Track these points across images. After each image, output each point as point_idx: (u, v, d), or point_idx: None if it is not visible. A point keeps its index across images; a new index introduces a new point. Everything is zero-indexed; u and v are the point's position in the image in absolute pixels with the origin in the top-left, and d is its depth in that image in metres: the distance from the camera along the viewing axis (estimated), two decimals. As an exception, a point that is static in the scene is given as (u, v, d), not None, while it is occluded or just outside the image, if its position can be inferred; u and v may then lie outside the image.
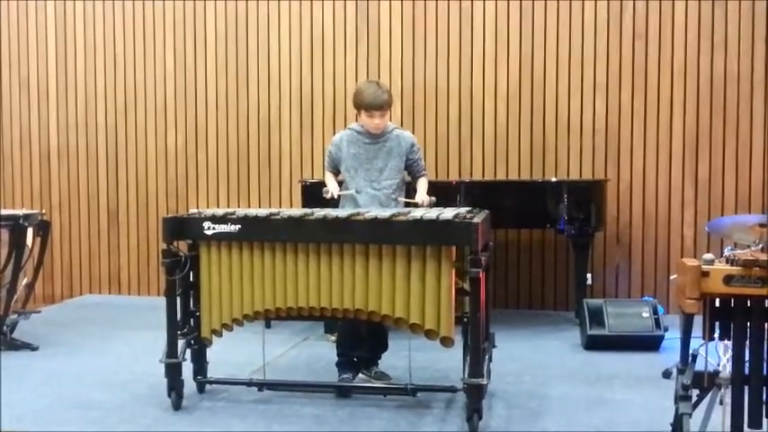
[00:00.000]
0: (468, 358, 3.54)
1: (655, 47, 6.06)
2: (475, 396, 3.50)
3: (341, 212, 3.75)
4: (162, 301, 3.87)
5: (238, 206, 6.54)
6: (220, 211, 3.84)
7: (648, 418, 3.71)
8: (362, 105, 4.14)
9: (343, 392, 4.06)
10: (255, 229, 3.72)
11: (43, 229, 5.28)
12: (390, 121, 4.31)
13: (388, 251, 3.55)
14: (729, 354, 3.14)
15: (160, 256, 3.91)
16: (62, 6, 7.04)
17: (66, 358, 4.89)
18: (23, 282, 5.21)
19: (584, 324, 5.08)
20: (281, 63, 6.67)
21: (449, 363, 4.36)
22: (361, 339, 4.23)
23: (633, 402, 3.98)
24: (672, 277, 4.14)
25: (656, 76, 6.06)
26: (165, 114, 6.89)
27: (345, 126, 4.42)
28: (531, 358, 4.85)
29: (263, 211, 3.79)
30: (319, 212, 3.74)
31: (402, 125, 5.35)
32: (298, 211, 3.97)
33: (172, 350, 3.86)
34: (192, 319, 3.95)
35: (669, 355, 4.73)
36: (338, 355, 4.30)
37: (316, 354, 4.93)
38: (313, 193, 5.15)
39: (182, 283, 3.87)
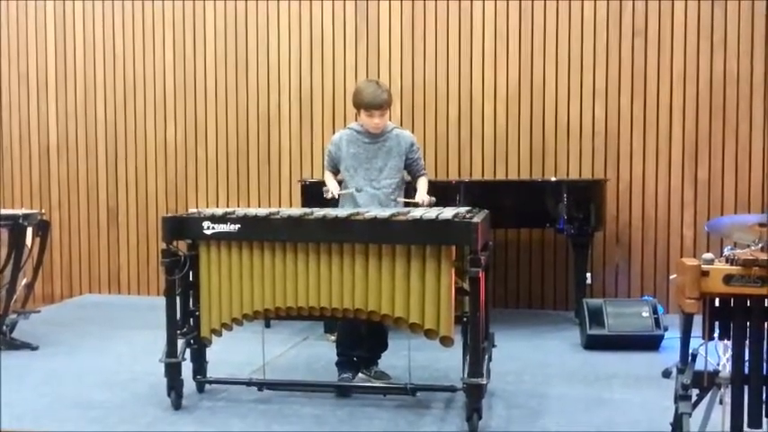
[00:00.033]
0: (468, 358, 3.54)
1: (654, 48, 6.05)
2: (474, 395, 3.50)
3: (340, 212, 3.75)
4: (161, 301, 3.87)
5: (238, 205, 6.55)
6: (220, 211, 3.85)
7: (648, 417, 3.71)
8: (362, 105, 4.14)
9: (342, 392, 4.06)
10: (255, 228, 3.72)
11: (43, 228, 5.28)
12: (390, 120, 4.31)
13: (387, 251, 3.55)
14: (729, 353, 3.14)
15: (160, 255, 3.91)
16: (62, 2, 7.03)
17: (65, 358, 4.89)
18: (23, 281, 5.21)
19: (584, 324, 5.08)
20: (281, 62, 6.67)
21: (448, 362, 4.36)
22: (360, 339, 4.23)
23: (633, 402, 3.98)
24: (671, 277, 4.14)
25: (656, 79, 6.06)
26: (165, 112, 6.89)
27: (345, 125, 4.42)
28: (531, 358, 4.85)
29: (262, 211, 3.79)
30: (319, 212, 3.74)
31: (402, 125, 5.34)
32: (297, 210, 3.97)
33: (171, 350, 3.86)
34: (191, 319, 3.95)
35: (669, 354, 4.73)
36: (338, 354, 4.30)
37: (315, 353, 4.93)
38: (313, 193, 5.15)
39: (181, 283, 3.87)
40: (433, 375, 4.39)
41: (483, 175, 6.30)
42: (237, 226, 3.72)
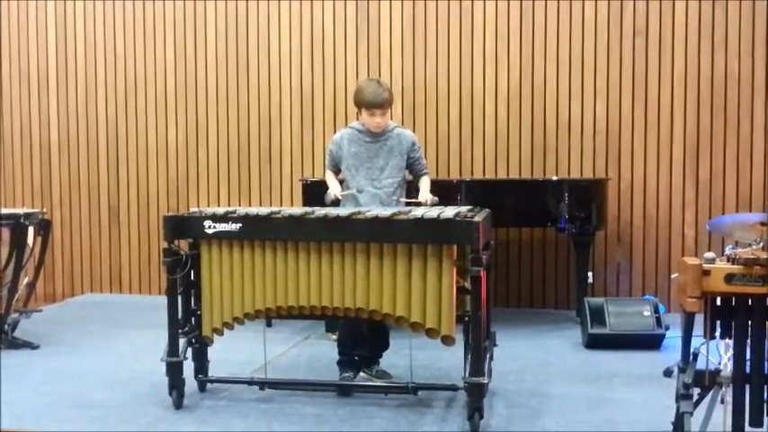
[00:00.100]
0: (469, 357, 3.54)
1: (655, 47, 6.05)
2: (476, 395, 3.50)
3: (341, 211, 3.76)
4: (163, 300, 3.88)
5: (239, 204, 6.56)
6: (221, 210, 3.85)
7: (649, 416, 3.71)
8: (363, 104, 4.13)
9: (344, 391, 4.06)
10: (256, 227, 3.72)
11: (44, 227, 5.28)
12: (391, 119, 4.31)
13: (388, 250, 3.55)
14: (730, 352, 3.14)
15: (161, 254, 3.91)
16: (62, 1, 7.03)
17: (67, 357, 4.90)
18: (24, 281, 5.22)
19: (586, 323, 5.08)
20: (282, 62, 6.67)
21: (450, 361, 4.36)
22: (362, 338, 4.23)
23: (634, 401, 3.98)
24: (673, 276, 4.14)
25: (657, 78, 6.06)
26: (166, 111, 6.89)
27: (346, 124, 4.42)
28: (532, 357, 4.85)
29: (263, 210, 3.79)
30: (320, 211, 3.75)
31: (403, 124, 5.35)
32: (298, 209, 3.97)
33: (173, 349, 3.86)
34: (193, 318, 3.95)
35: (670, 353, 4.73)
36: (339, 353, 4.30)
37: (317, 352, 4.93)
38: (314, 192, 5.15)
39: (183, 282, 3.87)
40: (435, 374, 4.39)
41: (484, 175, 6.30)
42: (239, 225, 3.72)
